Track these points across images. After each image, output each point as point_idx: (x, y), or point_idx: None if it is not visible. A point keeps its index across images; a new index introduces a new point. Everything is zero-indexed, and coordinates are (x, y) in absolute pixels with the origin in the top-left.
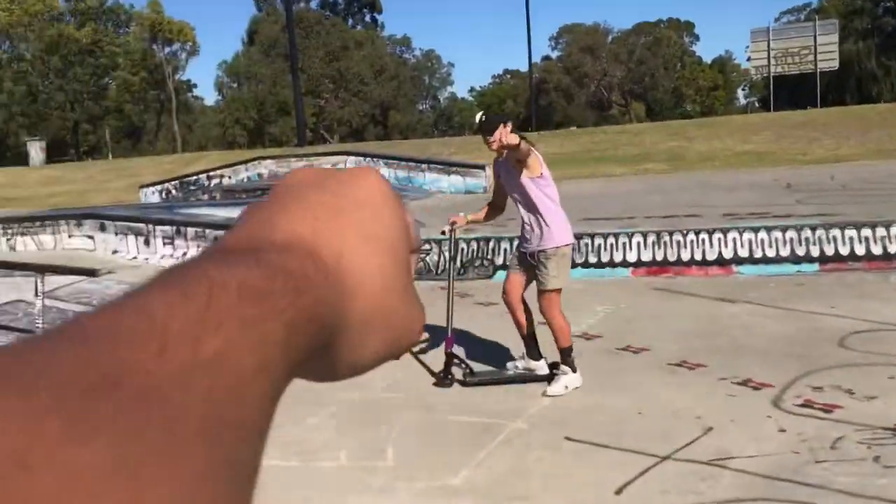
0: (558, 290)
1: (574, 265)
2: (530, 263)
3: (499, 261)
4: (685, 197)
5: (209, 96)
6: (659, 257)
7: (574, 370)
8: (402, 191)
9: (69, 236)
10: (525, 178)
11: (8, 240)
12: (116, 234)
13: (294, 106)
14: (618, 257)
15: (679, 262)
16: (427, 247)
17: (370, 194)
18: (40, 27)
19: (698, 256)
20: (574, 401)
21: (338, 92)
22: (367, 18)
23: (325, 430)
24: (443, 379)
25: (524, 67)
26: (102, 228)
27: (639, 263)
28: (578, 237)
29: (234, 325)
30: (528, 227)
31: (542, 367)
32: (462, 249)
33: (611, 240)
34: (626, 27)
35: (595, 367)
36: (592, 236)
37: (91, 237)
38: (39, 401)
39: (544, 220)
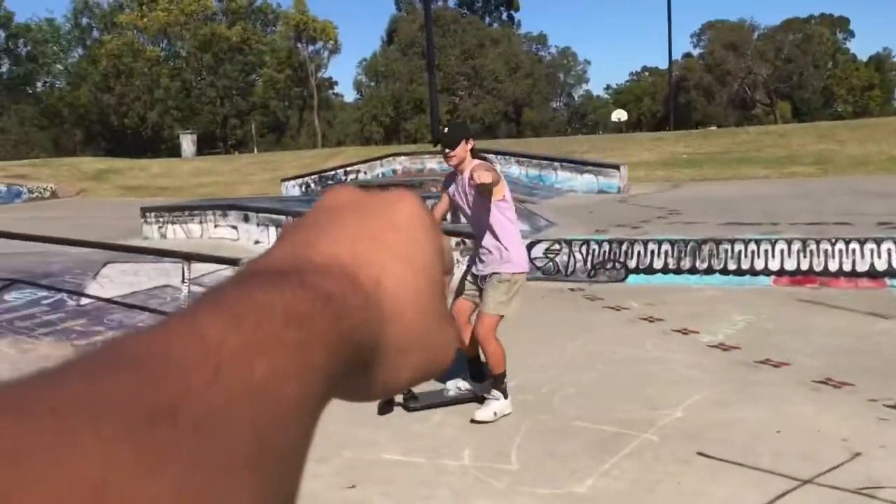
0: (501, 317)
1: (711, 271)
2: (480, 287)
3: (631, 264)
4: (834, 203)
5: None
6: (804, 266)
7: (506, 396)
8: (532, 189)
9: (215, 226)
10: (488, 200)
11: (159, 227)
12: (258, 225)
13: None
14: (759, 265)
15: (826, 272)
16: (557, 247)
17: (407, 218)
18: (195, 26)
19: (847, 267)
20: (708, 415)
21: (472, 89)
22: (504, 16)
23: (448, 429)
24: (384, 406)
25: (663, 65)
26: (246, 219)
27: (781, 272)
28: (717, 242)
29: (280, 350)
30: (484, 250)
31: (482, 390)
32: (594, 251)
33: (752, 246)
34: (773, 23)
35: (731, 380)
36: (732, 242)
37: (235, 227)
38: (110, 429)
39: (503, 244)
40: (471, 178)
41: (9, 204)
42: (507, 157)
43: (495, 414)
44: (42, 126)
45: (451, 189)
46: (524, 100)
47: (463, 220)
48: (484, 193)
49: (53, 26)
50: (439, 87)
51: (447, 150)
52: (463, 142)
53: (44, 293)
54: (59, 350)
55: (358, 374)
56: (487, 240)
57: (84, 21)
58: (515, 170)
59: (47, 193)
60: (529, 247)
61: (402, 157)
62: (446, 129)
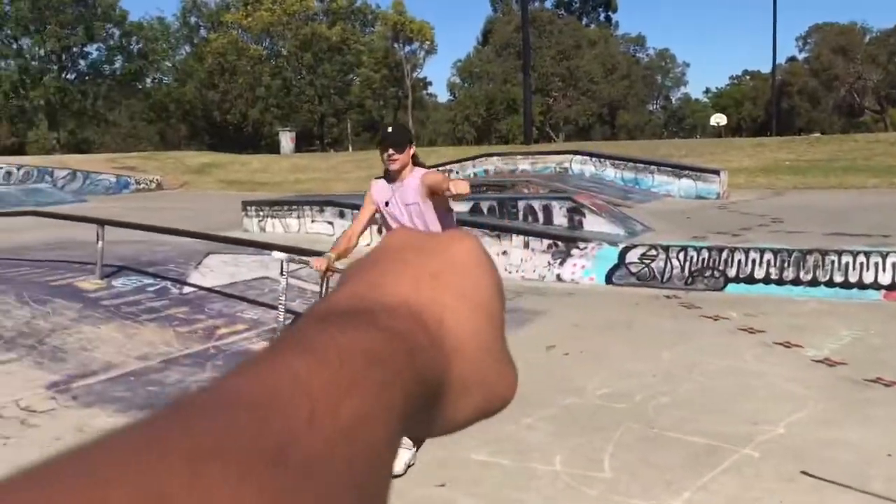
0: None
1: (816, 283)
2: None
3: (731, 272)
4: None
5: (442, 94)
6: None
7: (416, 446)
8: (628, 193)
9: (312, 221)
10: (437, 211)
11: (259, 221)
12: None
13: (523, 104)
14: (868, 278)
15: None
16: (653, 252)
17: (466, 257)
18: (297, 26)
19: None
20: (813, 433)
21: (566, 90)
22: (602, 17)
23: (539, 432)
24: None
25: (766, 68)
26: (341, 215)
27: (893, 286)
28: (823, 252)
29: (364, 391)
30: None
31: None
32: (692, 258)
33: (860, 258)
34: (886, 26)
35: (838, 398)
36: (840, 253)
37: (331, 223)
38: (236, 473)
39: None
40: (440, 188)
41: (117, 194)
42: (601, 160)
43: (405, 464)
44: (150, 120)
45: (384, 199)
46: (619, 102)
47: None
48: (433, 199)
49: (164, 25)
50: (533, 87)
51: (391, 152)
52: (408, 146)
53: (149, 280)
54: (161, 335)
55: (424, 412)
56: None
57: (192, 20)
58: (611, 172)
59: (153, 185)
60: (624, 252)
61: (495, 158)
62: (391, 129)
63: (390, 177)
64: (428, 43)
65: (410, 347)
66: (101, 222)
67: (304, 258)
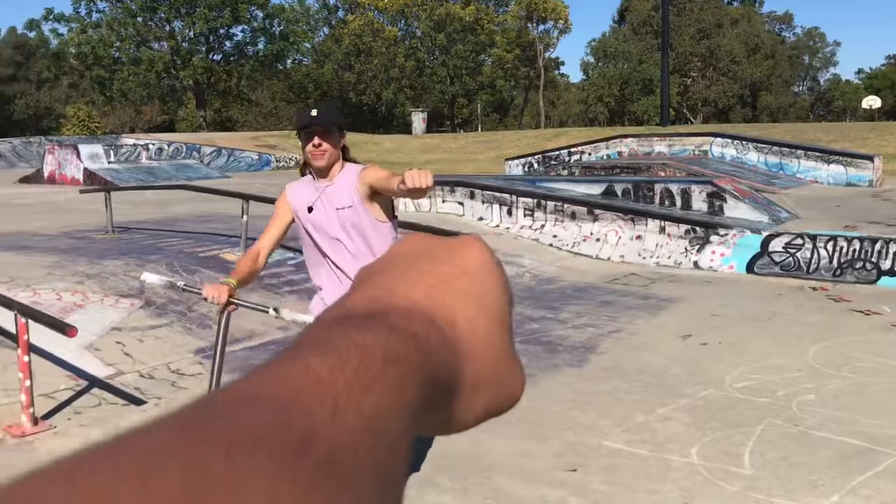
0: None
1: None
2: None
3: (885, 265)
4: None
5: (574, 74)
6: None
7: None
8: (771, 178)
9: (443, 201)
10: (379, 220)
11: (392, 200)
12: (483, 202)
13: (659, 84)
14: None
15: None
16: (799, 241)
17: (476, 262)
18: (431, 7)
19: None
20: None
21: (706, 71)
22: None
23: (674, 423)
24: None
25: None
26: (472, 196)
27: None
28: None
29: (383, 388)
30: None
31: None
32: (842, 248)
33: None
34: None
35: None
36: None
37: (461, 203)
38: (269, 464)
39: None
40: (390, 186)
41: (259, 171)
42: (743, 142)
43: None
44: (289, 100)
45: (305, 203)
46: (762, 83)
47: (312, 249)
48: (385, 209)
49: (304, 6)
50: (671, 67)
51: (317, 142)
52: (340, 132)
53: (290, 254)
54: (300, 306)
55: (438, 410)
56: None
57: (331, 2)
58: (753, 156)
59: (292, 163)
60: (768, 240)
61: (629, 139)
62: (317, 110)
63: (315, 175)
64: (562, 22)
65: (424, 349)
66: (246, 197)
67: (190, 288)
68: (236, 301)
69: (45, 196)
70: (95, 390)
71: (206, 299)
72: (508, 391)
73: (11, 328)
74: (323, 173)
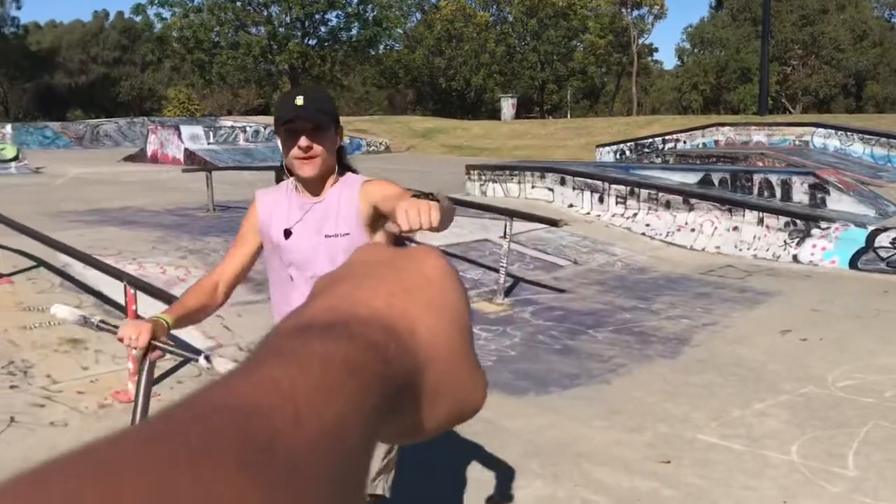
0: None
1: None
2: None
3: None
4: None
5: (668, 61)
6: None
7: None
8: (878, 171)
9: (532, 187)
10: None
11: (481, 185)
12: (574, 189)
13: (757, 72)
14: None
15: None
16: None
17: (437, 272)
18: None
19: None
20: None
21: (807, 59)
22: None
23: (772, 419)
24: None
25: None
26: (562, 182)
27: None
28: None
29: (343, 396)
30: None
31: None
32: None
33: None
34: None
35: None
36: None
37: (551, 189)
38: (231, 461)
39: None
40: (388, 218)
41: (351, 154)
42: (848, 133)
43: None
44: (380, 86)
45: (281, 225)
46: (868, 72)
47: (282, 280)
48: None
49: None
50: (770, 55)
51: (305, 143)
52: (334, 128)
53: None
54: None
55: (399, 418)
56: None
57: None
58: (858, 147)
59: (382, 147)
60: (873, 234)
61: (727, 128)
62: (304, 98)
63: (300, 187)
64: (657, 7)
65: (384, 357)
66: None
67: (106, 326)
68: (160, 345)
69: (148, 174)
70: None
71: (120, 340)
72: (469, 397)
73: (120, 299)
74: (311, 186)
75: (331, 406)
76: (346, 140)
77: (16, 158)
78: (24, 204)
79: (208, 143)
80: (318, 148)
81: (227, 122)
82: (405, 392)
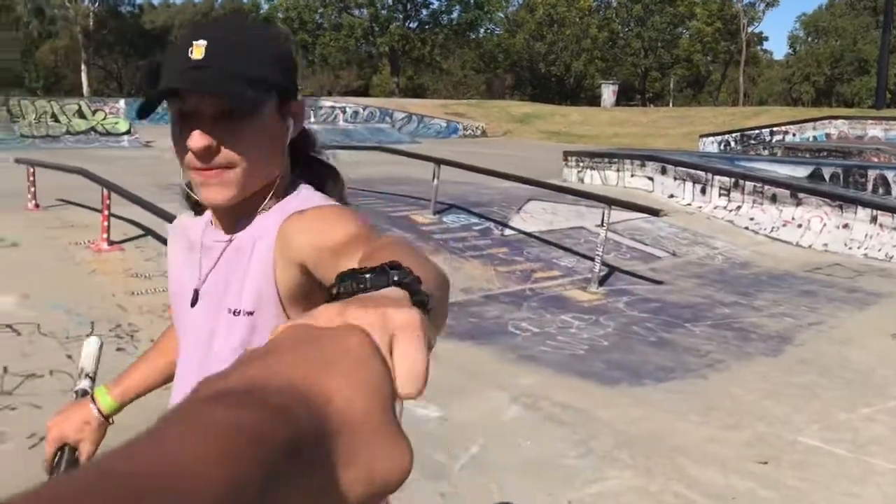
0: None
1: None
2: None
3: None
4: None
5: (778, 50)
6: None
7: None
8: None
9: (631, 175)
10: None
11: (579, 172)
12: (675, 178)
13: (876, 64)
14: None
15: None
16: None
17: (359, 347)
18: None
19: None
20: None
21: None
22: None
23: (879, 425)
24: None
25: None
26: (663, 172)
27: None
28: None
29: (241, 463)
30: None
31: None
32: None
33: None
34: None
35: None
36: None
37: (651, 179)
38: None
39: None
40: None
41: (447, 138)
42: None
43: None
44: (479, 70)
45: (188, 282)
46: None
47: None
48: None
49: None
50: (891, 46)
51: (200, 139)
52: (269, 106)
53: (475, 220)
54: (483, 272)
55: (309, 480)
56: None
57: None
58: None
59: (479, 132)
60: None
61: (840, 121)
62: (204, 49)
63: (214, 215)
64: None
65: (294, 423)
66: (440, 162)
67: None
68: (83, 451)
69: None
70: None
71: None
72: (392, 464)
73: None
74: (225, 216)
75: (221, 471)
76: (444, 123)
77: (128, 132)
78: (137, 176)
79: (310, 123)
80: (228, 154)
81: (327, 102)
82: (315, 454)
